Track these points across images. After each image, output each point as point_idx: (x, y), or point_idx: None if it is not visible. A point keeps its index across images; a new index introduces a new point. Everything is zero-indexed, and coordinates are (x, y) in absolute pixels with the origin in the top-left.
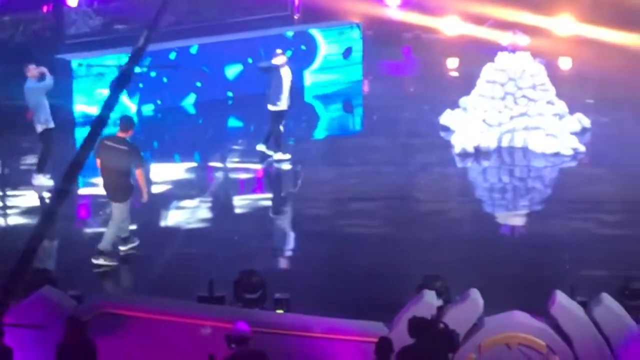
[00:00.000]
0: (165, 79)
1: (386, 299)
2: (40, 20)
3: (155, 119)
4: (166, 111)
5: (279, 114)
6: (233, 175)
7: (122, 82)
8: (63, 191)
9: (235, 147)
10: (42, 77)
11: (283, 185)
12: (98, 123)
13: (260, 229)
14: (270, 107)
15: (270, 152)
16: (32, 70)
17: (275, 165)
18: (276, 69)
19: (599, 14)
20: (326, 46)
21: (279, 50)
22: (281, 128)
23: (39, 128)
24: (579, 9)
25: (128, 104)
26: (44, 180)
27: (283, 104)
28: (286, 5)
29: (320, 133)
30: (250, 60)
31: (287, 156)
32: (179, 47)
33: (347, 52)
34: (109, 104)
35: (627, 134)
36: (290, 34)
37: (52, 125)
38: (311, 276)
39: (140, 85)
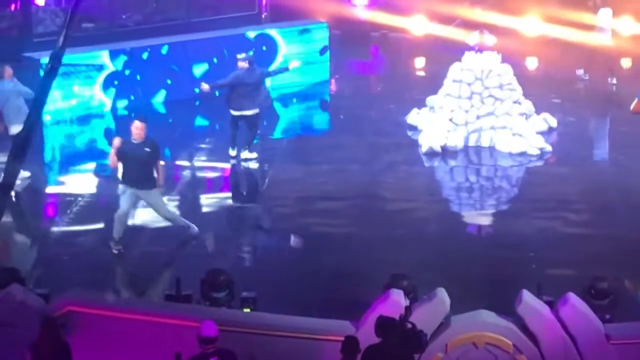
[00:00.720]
0: (138, 77)
1: (353, 298)
2: (8, 19)
3: (129, 117)
4: (138, 109)
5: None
6: (200, 174)
7: (47, 81)
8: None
9: (203, 145)
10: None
11: (250, 184)
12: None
13: (228, 228)
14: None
15: (252, 155)
16: (8, 70)
17: (243, 164)
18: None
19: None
20: (286, 47)
21: (240, 55)
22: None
23: (14, 130)
24: (544, 9)
25: (104, 99)
26: None
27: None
28: (254, 5)
29: (283, 132)
30: (215, 60)
31: (254, 155)
32: (151, 45)
33: (323, 50)
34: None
35: (593, 133)
36: (251, 35)
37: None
38: (278, 275)
39: (116, 82)
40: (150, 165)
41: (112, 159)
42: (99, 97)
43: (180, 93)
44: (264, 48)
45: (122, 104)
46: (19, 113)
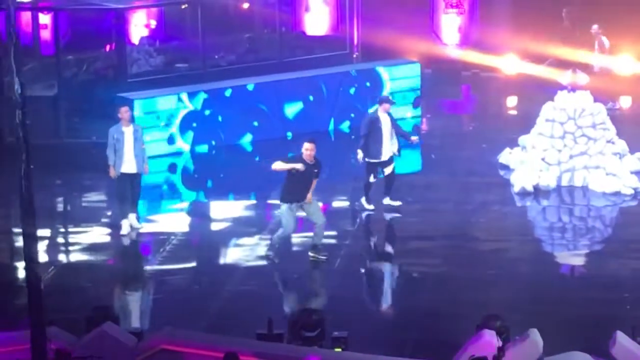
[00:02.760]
0: (220, 118)
1: (445, 338)
2: (103, 59)
3: (210, 156)
4: (225, 148)
5: (377, 165)
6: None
7: None
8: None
9: None
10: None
11: (342, 223)
12: None
13: (319, 267)
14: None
15: (396, 203)
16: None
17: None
18: (376, 119)
19: None
20: (390, 82)
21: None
22: (372, 179)
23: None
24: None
25: (181, 145)
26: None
27: (385, 155)
28: (345, 45)
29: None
30: (311, 98)
31: (398, 203)
32: (238, 85)
33: (416, 102)
34: None
35: None
36: (353, 71)
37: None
38: (369, 314)
39: (201, 123)
40: (312, 182)
41: (281, 168)
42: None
43: (272, 132)
44: (368, 84)
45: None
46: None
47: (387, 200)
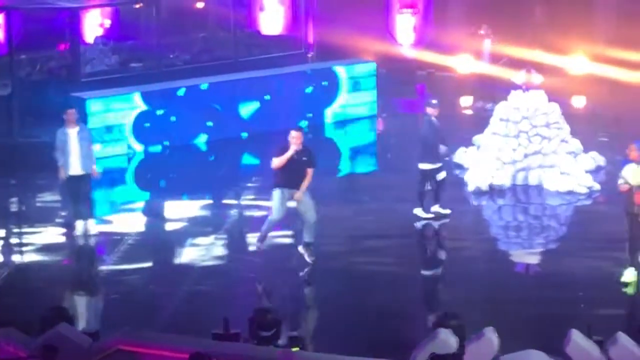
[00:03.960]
0: (174, 118)
1: (401, 337)
2: (57, 59)
3: (164, 156)
4: (180, 148)
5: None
6: (247, 213)
7: None
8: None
9: (250, 184)
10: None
11: (298, 223)
12: None
13: (275, 266)
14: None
15: (445, 211)
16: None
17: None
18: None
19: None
20: (346, 82)
21: (434, 101)
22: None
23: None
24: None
25: (134, 145)
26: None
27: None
28: (300, 44)
29: (338, 170)
30: (267, 97)
31: (447, 211)
32: (192, 85)
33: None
34: None
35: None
36: (310, 70)
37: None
38: (326, 313)
39: (155, 123)
40: (304, 171)
41: (280, 162)
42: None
43: (228, 131)
44: (325, 83)
45: (162, 144)
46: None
47: (435, 208)
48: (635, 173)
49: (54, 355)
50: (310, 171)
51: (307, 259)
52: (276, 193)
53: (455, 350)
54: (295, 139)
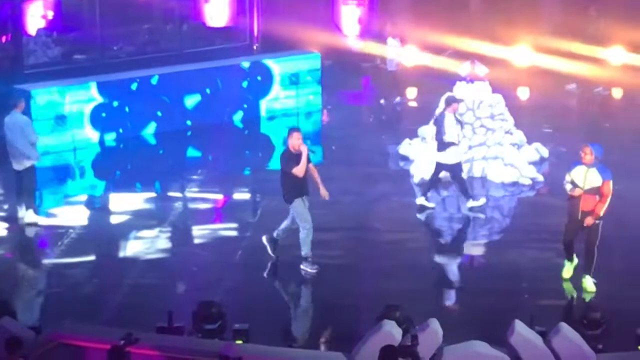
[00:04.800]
0: (127, 109)
1: (346, 330)
2: None
3: (117, 149)
4: (127, 140)
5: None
6: (192, 205)
7: None
8: None
9: (194, 176)
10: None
11: (243, 215)
12: None
13: (220, 259)
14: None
15: (430, 205)
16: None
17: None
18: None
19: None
20: (281, 77)
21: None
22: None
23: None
24: (535, 39)
25: (90, 133)
26: (31, 216)
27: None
28: (245, 36)
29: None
30: (208, 91)
31: (482, 201)
32: (141, 76)
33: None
34: None
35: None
36: (246, 64)
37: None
38: (271, 306)
39: (103, 114)
40: (311, 169)
41: (304, 166)
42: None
43: (172, 124)
44: (259, 78)
45: (110, 136)
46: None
47: (420, 200)
48: (585, 177)
49: (17, 348)
50: (312, 167)
51: (310, 270)
52: (297, 203)
53: (401, 342)
54: (299, 141)
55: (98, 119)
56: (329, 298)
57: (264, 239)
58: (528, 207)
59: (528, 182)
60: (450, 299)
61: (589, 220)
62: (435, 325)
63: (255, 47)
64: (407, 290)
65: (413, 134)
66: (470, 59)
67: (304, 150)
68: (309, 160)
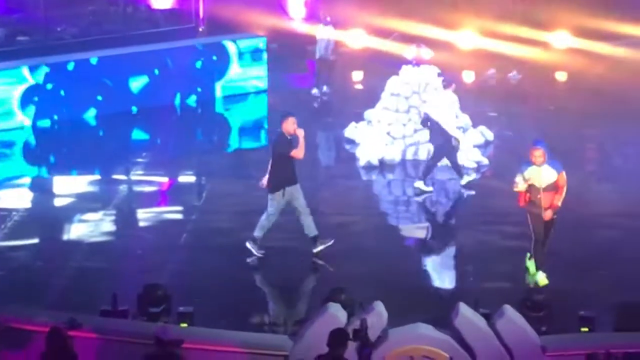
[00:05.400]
0: (62, 92)
1: (291, 312)
2: None
3: (57, 132)
4: (66, 124)
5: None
6: (137, 188)
7: None
8: None
9: (140, 159)
10: None
11: (188, 198)
12: None
13: (164, 242)
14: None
15: (428, 189)
16: None
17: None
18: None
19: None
20: (236, 57)
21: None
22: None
23: None
24: (480, 22)
25: (22, 119)
26: None
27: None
28: (191, 18)
29: (227, 145)
30: (156, 72)
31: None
32: (81, 59)
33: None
34: None
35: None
36: (200, 45)
37: None
38: (216, 289)
39: (36, 98)
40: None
41: (303, 149)
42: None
43: (117, 106)
44: (215, 57)
45: (46, 119)
46: None
47: (419, 184)
48: (541, 176)
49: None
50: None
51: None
52: (279, 195)
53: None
54: (295, 125)
55: (39, 102)
56: (274, 281)
57: (315, 251)
58: (473, 189)
59: (473, 165)
60: (395, 281)
61: (548, 214)
62: (380, 307)
63: (200, 30)
64: (352, 273)
65: (359, 117)
66: (416, 42)
67: (301, 133)
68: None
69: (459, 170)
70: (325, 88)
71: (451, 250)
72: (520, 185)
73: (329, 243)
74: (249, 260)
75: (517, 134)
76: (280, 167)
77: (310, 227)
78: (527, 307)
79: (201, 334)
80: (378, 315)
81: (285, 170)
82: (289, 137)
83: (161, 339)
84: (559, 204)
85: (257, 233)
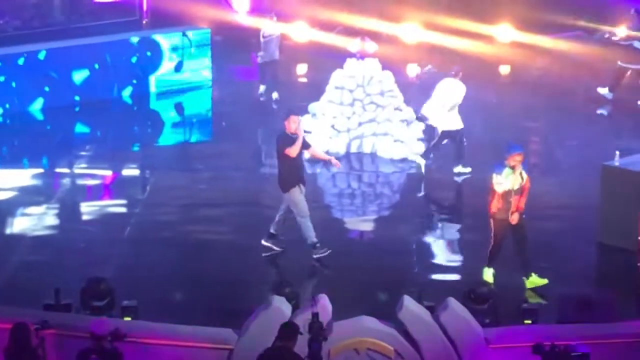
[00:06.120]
0: (14, 84)
1: (236, 305)
2: None
3: (4, 125)
4: (15, 116)
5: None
6: (80, 182)
7: None
8: None
9: (83, 153)
10: None
11: (131, 192)
12: None
13: (108, 236)
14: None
15: (467, 169)
16: None
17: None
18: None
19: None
20: (170, 52)
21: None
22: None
23: None
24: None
25: None
26: None
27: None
28: (134, 11)
29: (170, 139)
30: (97, 66)
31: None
32: (28, 51)
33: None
34: None
35: (473, 140)
36: (135, 39)
37: None
38: (160, 283)
39: None
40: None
41: (298, 147)
42: None
43: (60, 100)
44: (149, 53)
45: None
46: None
47: (419, 154)
48: (515, 178)
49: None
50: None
51: (322, 254)
52: (296, 191)
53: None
54: (296, 124)
55: None
56: (219, 274)
57: (263, 242)
58: (417, 183)
59: (417, 158)
60: (339, 274)
61: (516, 217)
62: (324, 300)
63: (144, 22)
64: (296, 266)
65: (303, 111)
66: (360, 35)
67: (301, 132)
68: (306, 145)
69: (461, 156)
70: (275, 95)
71: (395, 243)
72: (504, 184)
73: (277, 250)
74: (193, 252)
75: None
76: (288, 166)
77: (277, 225)
78: (471, 300)
79: (145, 327)
80: (322, 308)
81: (294, 168)
82: (291, 135)
83: (96, 334)
84: (523, 205)
85: (310, 239)
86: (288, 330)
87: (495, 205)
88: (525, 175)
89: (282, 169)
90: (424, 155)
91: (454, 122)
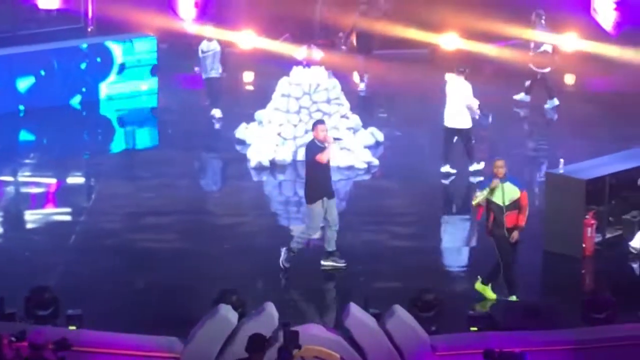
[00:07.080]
0: None
1: (183, 313)
2: None
3: None
4: None
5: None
6: (24, 190)
7: None
8: None
9: (27, 160)
10: None
11: (76, 200)
12: None
13: (53, 244)
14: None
15: (453, 171)
16: None
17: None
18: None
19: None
20: (122, 58)
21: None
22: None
23: None
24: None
25: None
26: None
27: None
28: (79, 18)
29: (116, 146)
30: (43, 72)
31: (482, 165)
32: None
33: (153, 70)
34: None
35: (419, 148)
36: (84, 46)
37: None
38: (105, 291)
39: None
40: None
41: (328, 154)
42: None
43: (3, 107)
44: (99, 59)
45: None
46: None
47: (445, 168)
48: (503, 192)
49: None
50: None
51: (340, 265)
52: (318, 205)
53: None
54: (324, 132)
55: None
56: (165, 282)
57: (322, 262)
58: (364, 190)
59: (364, 165)
60: (286, 282)
61: (516, 235)
62: (270, 308)
63: (90, 30)
64: (242, 273)
65: (250, 118)
66: (307, 43)
67: (331, 140)
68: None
69: (471, 154)
70: (218, 114)
71: (341, 250)
72: (479, 197)
73: (341, 265)
74: (138, 261)
75: (406, 135)
76: (315, 177)
77: (330, 242)
78: (417, 307)
79: (91, 336)
80: (269, 316)
81: (322, 179)
82: (320, 145)
83: (35, 343)
84: (523, 224)
85: (330, 248)
86: (256, 342)
87: (488, 221)
88: (518, 192)
89: (310, 179)
90: (471, 158)
91: (462, 121)
